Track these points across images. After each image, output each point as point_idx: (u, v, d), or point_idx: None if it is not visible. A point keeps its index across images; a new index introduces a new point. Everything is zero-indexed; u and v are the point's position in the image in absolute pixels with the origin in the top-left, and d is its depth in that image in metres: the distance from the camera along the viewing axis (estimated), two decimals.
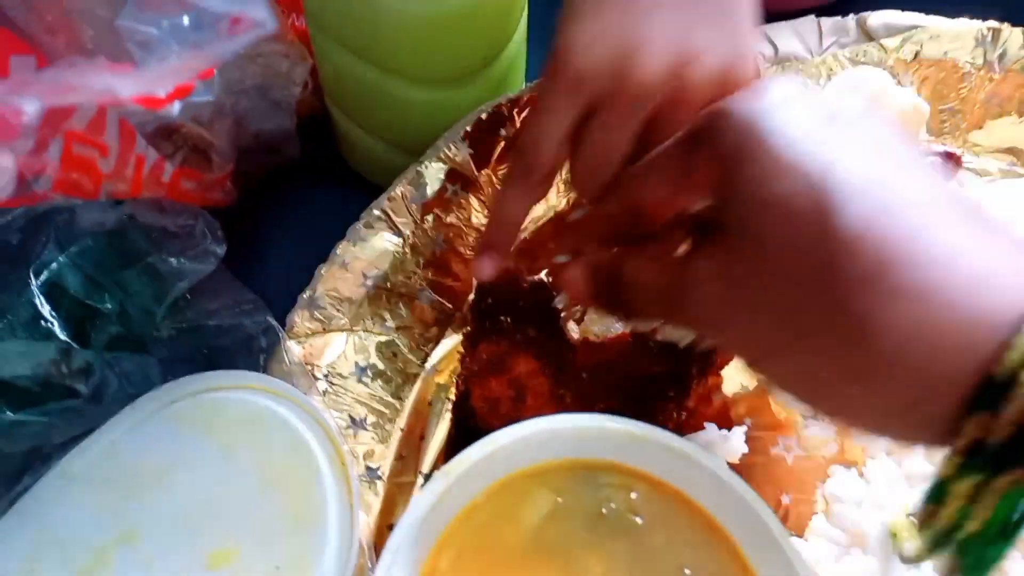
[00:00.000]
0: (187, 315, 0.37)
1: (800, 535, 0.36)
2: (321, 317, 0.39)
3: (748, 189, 0.23)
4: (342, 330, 0.39)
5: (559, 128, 0.29)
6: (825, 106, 0.24)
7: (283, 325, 0.38)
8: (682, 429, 0.35)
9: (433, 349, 0.41)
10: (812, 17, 0.46)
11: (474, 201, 0.42)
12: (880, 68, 0.45)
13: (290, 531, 0.32)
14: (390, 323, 0.40)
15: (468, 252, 0.42)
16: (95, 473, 0.33)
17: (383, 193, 0.41)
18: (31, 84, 0.19)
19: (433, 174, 0.41)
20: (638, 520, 0.28)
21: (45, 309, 0.35)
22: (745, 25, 0.29)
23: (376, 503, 0.37)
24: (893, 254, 0.21)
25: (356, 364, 0.39)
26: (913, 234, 0.21)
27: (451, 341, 0.41)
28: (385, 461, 0.38)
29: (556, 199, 0.43)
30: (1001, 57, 0.46)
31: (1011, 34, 0.45)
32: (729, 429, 0.35)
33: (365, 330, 0.39)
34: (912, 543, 0.23)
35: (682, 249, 0.26)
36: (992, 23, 0.46)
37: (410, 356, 0.40)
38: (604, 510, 0.28)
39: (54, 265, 0.35)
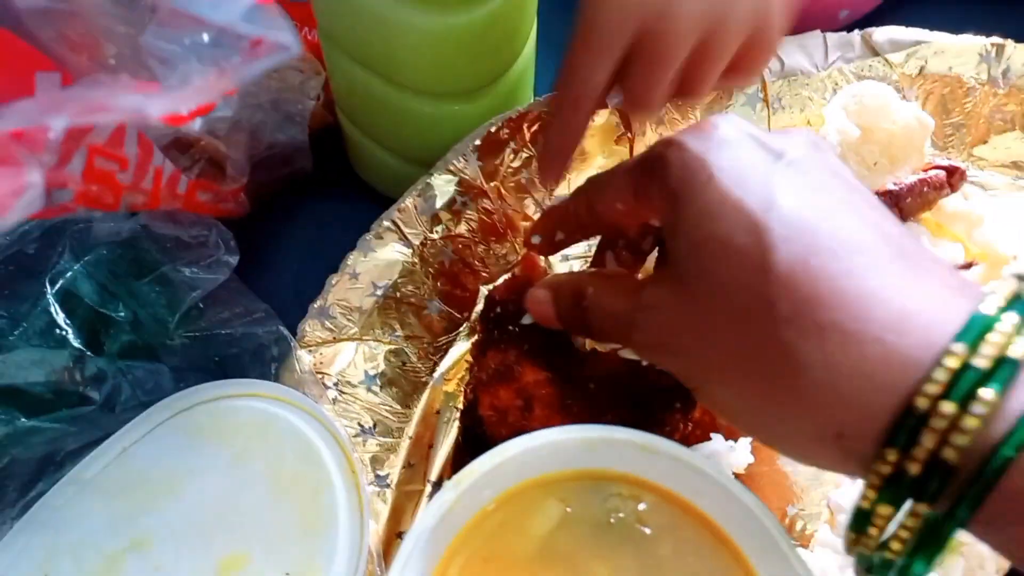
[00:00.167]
0: (200, 324, 0.38)
1: (805, 546, 0.36)
2: (331, 326, 0.39)
3: (690, 227, 0.24)
4: (352, 339, 0.39)
5: (607, 65, 0.29)
6: (771, 145, 0.25)
7: (294, 334, 0.38)
8: (689, 440, 0.35)
9: (442, 358, 0.41)
10: (818, 32, 0.46)
11: (483, 213, 0.42)
12: (885, 83, 0.45)
13: (300, 538, 0.32)
14: (399, 332, 0.40)
15: (476, 263, 0.43)
16: (108, 480, 0.33)
17: (393, 204, 0.41)
18: (61, 103, 0.19)
19: (442, 186, 0.41)
20: (646, 530, 0.28)
21: (60, 317, 0.35)
22: None
23: (385, 511, 0.37)
24: (820, 293, 0.22)
25: (366, 373, 0.39)
26: (841, 274, 0.22)
27: (459, 350, 0.41)
28: (394, 469, 0.38)
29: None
30: (1005, 73, 0.46)
31: (1015, 50, 0.46)
32: (735, 440, 0.36)
33: (375, 339, 0.40)
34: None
35: (641, 275, 0.27)
36: (996, 39, 0.46)
37: (419, 365, 0.41)
38: (612, 520, 0.28)
39: (69, 274, 0.36)
